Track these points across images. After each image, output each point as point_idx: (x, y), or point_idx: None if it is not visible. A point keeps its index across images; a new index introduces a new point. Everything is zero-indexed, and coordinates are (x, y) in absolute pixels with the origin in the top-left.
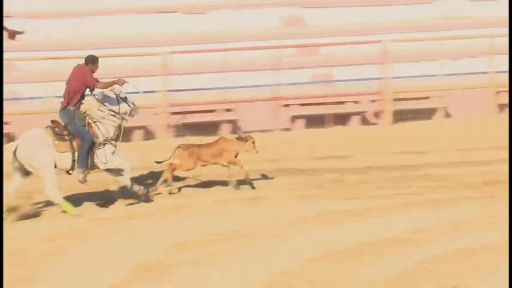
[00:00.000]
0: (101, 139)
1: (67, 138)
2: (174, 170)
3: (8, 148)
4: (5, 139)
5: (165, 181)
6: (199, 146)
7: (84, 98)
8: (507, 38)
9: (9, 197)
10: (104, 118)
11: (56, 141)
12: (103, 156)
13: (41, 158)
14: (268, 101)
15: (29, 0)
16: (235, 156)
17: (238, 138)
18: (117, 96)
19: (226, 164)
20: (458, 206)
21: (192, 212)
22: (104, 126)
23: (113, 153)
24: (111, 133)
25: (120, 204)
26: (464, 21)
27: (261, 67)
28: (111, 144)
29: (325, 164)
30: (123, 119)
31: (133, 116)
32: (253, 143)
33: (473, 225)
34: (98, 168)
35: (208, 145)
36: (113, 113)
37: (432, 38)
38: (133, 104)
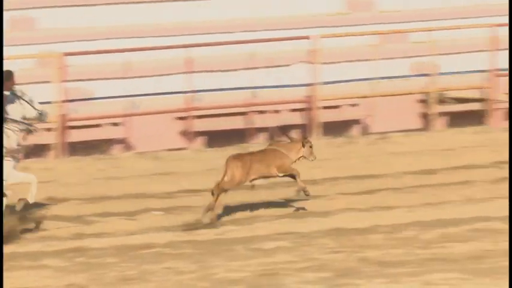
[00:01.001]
0: None
1: None
2: (223, 189)
3: None
4: None
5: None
6: (251, 154)
7: None
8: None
9: None
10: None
11: None
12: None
13: None
14: None
15: None
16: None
17: (294, 142)
18: (19, 98)
19: (281, 175)
20: None
21: None
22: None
23: (14, 167)
24: (14, 144)
25: None
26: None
27: None
28: (13, 158)
29: None
30: (30, 126)
31: (43, 121)
32: (310, 147)
33: None
34: None
35: (261, 153)
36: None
37: None
38: (41, 108)
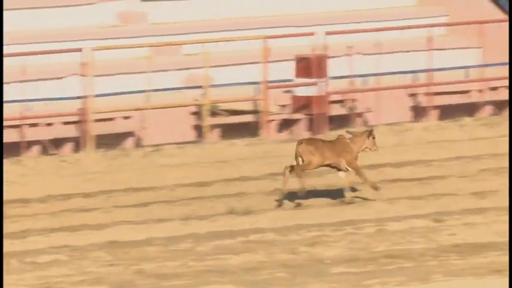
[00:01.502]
0: None
1: None
2: (303, 171)
3: None
4: None
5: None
6: (322, 141)
7: None
8: None
9: None
10: None
11: None
12: None
13: None
14: None
15: None
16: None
17: (360, 134)
18: None
19: (346, 167)
20: None
21: None
22: None
23: None
24: None
25: None
26: None
27: None
28: None
29: None
30: None
31: None
32: (373, 138)
33: None
34: None
35: (331, 142)
36: None
37: None
38: None
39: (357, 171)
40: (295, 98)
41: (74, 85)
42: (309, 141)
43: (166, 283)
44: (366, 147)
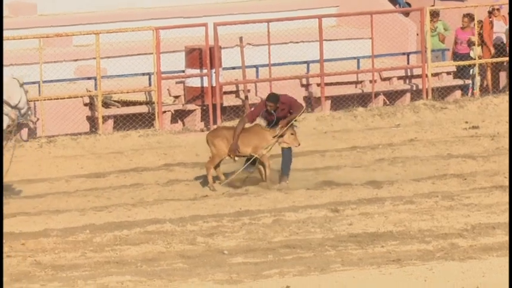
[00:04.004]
0: None
1: None
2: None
3: None
4: None
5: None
6: (228, 129)
7: None
8: None
9: None
10: None
11: None
12: None
13: None
14: None
15: None
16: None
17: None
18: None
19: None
20: None
21: None
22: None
23: None
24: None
25: None
26: None
27: None
28: None
29: None
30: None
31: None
32: (292, 134)
33: None
34: None
35: (245, 129)
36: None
37: None
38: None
39: (263, 159)
40: (188, 89)
41: None
42: (213, 133)
43: (63, 274)
44: (284, 142)
